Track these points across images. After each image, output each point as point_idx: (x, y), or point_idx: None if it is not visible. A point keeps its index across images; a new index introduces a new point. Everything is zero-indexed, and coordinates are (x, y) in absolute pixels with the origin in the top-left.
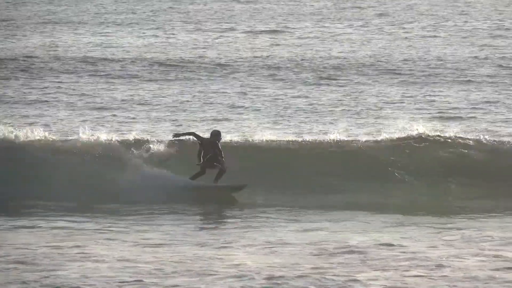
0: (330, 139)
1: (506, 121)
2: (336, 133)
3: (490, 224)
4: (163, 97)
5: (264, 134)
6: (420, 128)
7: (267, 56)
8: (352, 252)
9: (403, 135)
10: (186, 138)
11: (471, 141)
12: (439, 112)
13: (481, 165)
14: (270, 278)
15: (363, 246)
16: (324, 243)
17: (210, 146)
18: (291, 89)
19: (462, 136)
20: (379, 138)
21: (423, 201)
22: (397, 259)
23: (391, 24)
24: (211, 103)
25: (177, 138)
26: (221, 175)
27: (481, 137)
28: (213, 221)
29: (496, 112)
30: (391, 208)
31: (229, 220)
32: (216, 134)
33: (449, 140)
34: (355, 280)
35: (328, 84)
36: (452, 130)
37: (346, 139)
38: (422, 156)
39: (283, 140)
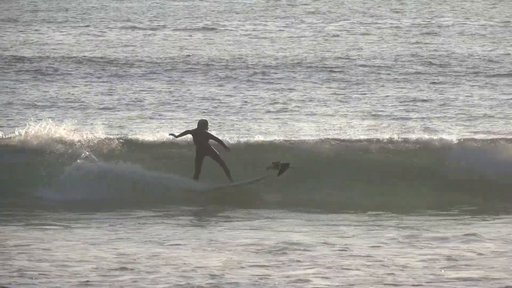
0: (273, 138)
1: (441, 119)
2: (278, 132)
3: (434, 223)
4: (95, 95)
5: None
6: (358, 127)
7: (199, 54)
8: (295, 250)
9: (341, 136)
10: (182, 138)
11: (411, 141)
12: (373, 111)
13: (422, 164)
14: (212, 276)
15: (307, 244)
16: (267, 241)
17: (203, 136)
18: (223, 86)
19: (402, 135)
20: (318, 138)
21: (366, 200)
22: (340, 257)
23: (324, 21)
24: (140, 101)
25: (175, 136)
26: (227, 171)
27: (418, 136)
28: (158, 218)
29: (430, 110)
30: (335, 207)
31: (173, 218)
32: (204, 124)
33: (387, 139)
34: (299, 280)
35: (261, 82)
36: (390, 129)
37: (289, 139)
38: (363, 155)
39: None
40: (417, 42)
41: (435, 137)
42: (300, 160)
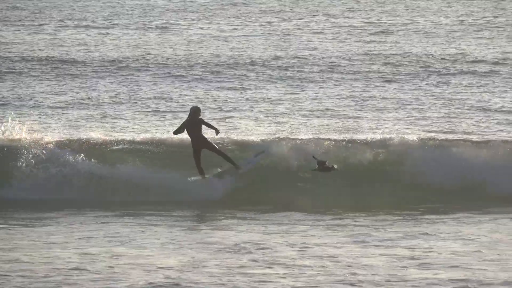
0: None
1: (396, 118)
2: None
3: (394, 222)
4: (49, 94)
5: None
6: (312, 126)
7: (153, 53)
8: (257, 250)
9: (299, 135)
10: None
11: (367, 140)
12: (327, 110)
13: (380, 164)
14: (172, 276)
15: (268, 244)
16: (228, 240)
17: (197, 124)
18: (176, 85)
19: (359, 135)
20: (281, 137)
21: (326, 200)
22: (301, 257)
23: (282, 21)
24: (94, 100)
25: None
26: (228, 158)
27: (374, 135)
28: (120, 217)
29: (385, 109)
30: (296, 207)
31: (135, 218)
32: (197, 110)
33: (345, 139)
34: (261, 281)
35: (217, 81)
36: (345, 128)
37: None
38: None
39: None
40: (371, 41)
41: (393, 136)
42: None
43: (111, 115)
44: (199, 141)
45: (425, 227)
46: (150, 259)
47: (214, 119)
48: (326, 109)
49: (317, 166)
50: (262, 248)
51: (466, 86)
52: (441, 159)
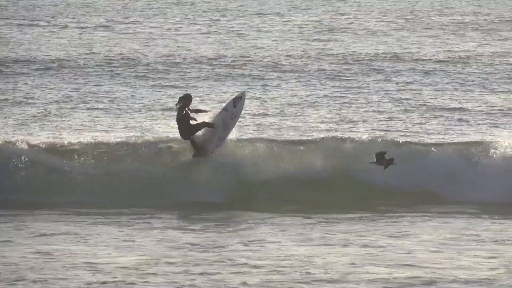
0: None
1: (339, 118)
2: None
3: (349, 222)
4: None
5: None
6: (263, 126)
7: (97, 52)
8: (215, 249)
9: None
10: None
11: (319, 140)
12: (275, 109)
13: (335, 165)
14: (127, 274)
15: (224, 243)
16: (184, 239)
17: (185, 115)
18: (119, 85)
19: (312, 134)
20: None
21: (283, 200)
22: (257, 256)
23: (224, 19)
24: (36, 99)
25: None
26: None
27: (326, 135)
28: (73, 216)
29: (335, 109)
30: (252, 206)
31: (89, 216)
32: (187, 98)
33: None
34: (216, 280)
35: (161, 79)
36: (294, 128)
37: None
38: (273, 154)
39: (131, 137)
40: (319, 40)
41: (345, 137)
42: None
43: (55, 114)
44: (191, 133)
45: (379, 227)
46: (104, 258)
47: (157, 118)
48: (272, 108)
49: (376, 159)
50: (218, 247)
51: (411, 84)
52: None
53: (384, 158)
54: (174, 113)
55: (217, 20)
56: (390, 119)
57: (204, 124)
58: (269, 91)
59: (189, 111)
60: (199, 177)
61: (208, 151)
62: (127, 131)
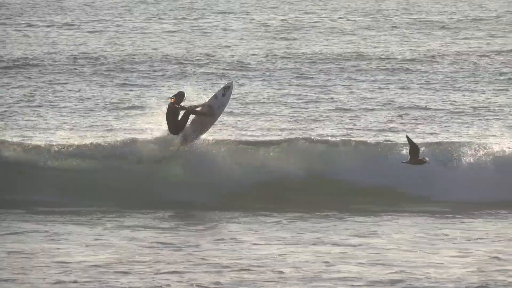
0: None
1: (305, 117)
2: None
3: (321, 221)
4: None
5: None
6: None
7: (60, 50)
8: (186, 248)
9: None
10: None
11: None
12: (233, 109)
13: (307, 166)
14: (95, 274)
15: (197, 243)
16: (153, 238)
17: (173, 111)
18: (87, 83)
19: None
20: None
21: (256, 199)
22: (230, 256)
23: (190, 18)
24: (3, 97)
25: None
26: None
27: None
28: (46, 214)
29: (301, 108)
30: (220, 205)
31: (61, 215)
32: (179, 95)
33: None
34: (190, 279)
35: (126, 78)
36: (258, 128)
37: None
38: (241, 153)
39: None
40: (285, 39)
41: (314, 138)
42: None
43: (21, 113)
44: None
45: (350, 226)
46: (76, 257)
47: (123, 116)
48: (237, 107)
49: (409, 158)
50: (189, 246)
51: (376, 82)
52: (366, 160)
53: (418, 157)
54: (146, 111)
55: (183, 18)
56: (355, 117)
57: (191, 110)
58: (236, 88)
59: (179, 108)
60: (170, 177)
61: (190, 139)
62: (93, 129)
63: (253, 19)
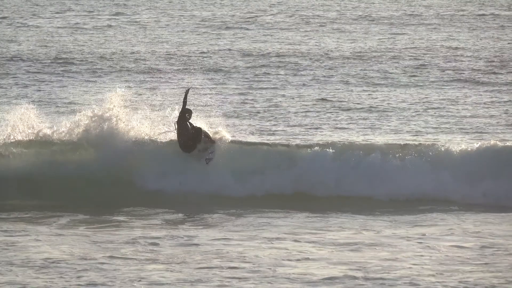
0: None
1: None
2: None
3: (280, 220)
4: None
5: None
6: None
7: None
8: (145, 247)
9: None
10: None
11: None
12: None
13: (270, 166)
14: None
15: (155, 241)
16: (118, 236)
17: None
18: (30, 81)
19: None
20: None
21: (214, 198)
22: (189, 253)
23: (136, 13)
24: None
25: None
26: None
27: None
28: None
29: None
30: (178, 202)
31: (16, 212)
32: (188, 112)
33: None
34: (148, 277)
35: (68, 76)
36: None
37: None
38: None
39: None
40: (224, 36)
41: (282, 141)
42: None
43: None
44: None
45: (307, 224)
46: (36, 254)
47: (60, 113)
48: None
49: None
50: (151, 244)
51: (317, 79)
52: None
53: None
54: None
55: (119, 13)
56: (292, 114)
57: (206, 138)
58: (173, 88)
59: (189, 125)
60: (124, 175)
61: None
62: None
63: (193, 16)
